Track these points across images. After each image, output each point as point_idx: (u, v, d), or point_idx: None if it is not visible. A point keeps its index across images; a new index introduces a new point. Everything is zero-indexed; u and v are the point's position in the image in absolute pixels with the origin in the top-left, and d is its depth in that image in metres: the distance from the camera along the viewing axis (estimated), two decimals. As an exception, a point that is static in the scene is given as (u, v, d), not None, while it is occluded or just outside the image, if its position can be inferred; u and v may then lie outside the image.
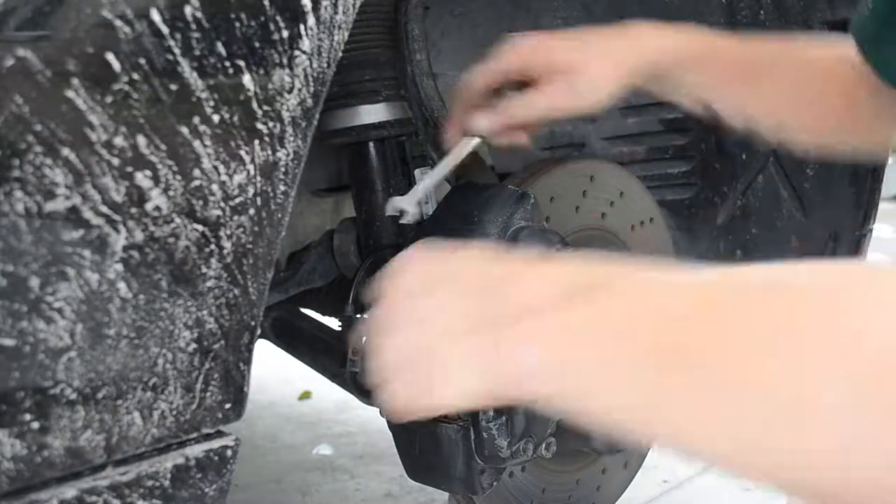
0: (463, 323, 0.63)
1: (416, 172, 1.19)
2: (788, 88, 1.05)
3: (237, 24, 0.67)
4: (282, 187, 0.73)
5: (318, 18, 0.72)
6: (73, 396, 0.64)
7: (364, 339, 0.74)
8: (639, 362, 0.49)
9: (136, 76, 0.63)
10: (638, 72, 0.99)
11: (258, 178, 0.71)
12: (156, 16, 0.63)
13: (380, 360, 0.69)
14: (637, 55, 0.99)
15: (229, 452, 0.75)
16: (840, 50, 1.03)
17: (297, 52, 0.71)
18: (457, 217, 1.04)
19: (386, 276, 0.72)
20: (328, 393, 2.33)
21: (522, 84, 1.01)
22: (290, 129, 0.72)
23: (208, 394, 0.72)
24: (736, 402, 0.45)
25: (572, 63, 0.97)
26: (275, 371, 2.38)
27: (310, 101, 0.73)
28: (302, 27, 0.71)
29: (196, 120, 0.66)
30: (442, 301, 0.66)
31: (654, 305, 0.50)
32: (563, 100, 0.98)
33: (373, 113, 1.14)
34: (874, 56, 0.97)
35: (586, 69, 0.97)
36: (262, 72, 0.69)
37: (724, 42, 1.04)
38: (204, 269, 0.70)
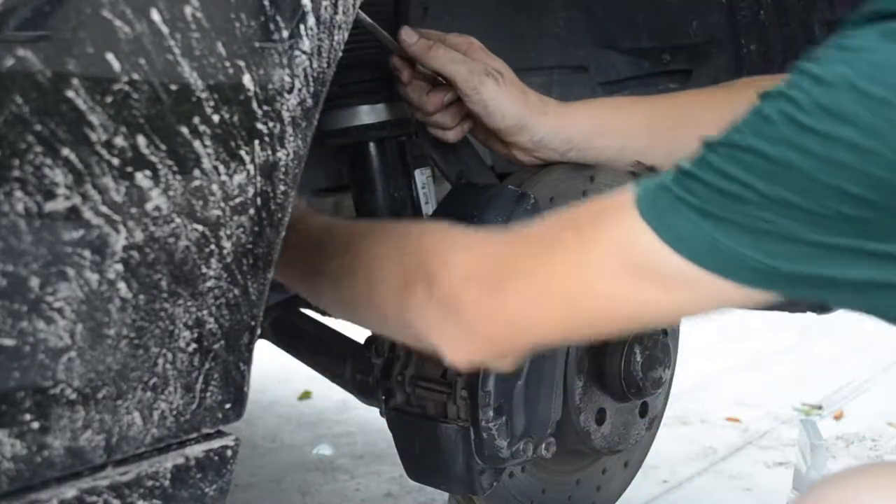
0: None
1: (416, 173, 1.19)
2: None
3: (237, 24, 0.67)
4: (282, 187, 0.73)
5: (318, 18, 0.72)
6: (73, 396, 0.64)
7: None
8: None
9: (136, 76, 0.63)
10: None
11: (258, 178, 0.71)
12: (155, 16, 0.63)
13: None
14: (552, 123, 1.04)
15: (229, 452, 0.75)
16: None
17: (297, 52, 0.71)
18: (457, 217, 1.04)
19: None
20: (328, 393, 2.33)
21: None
22: (290, 129, 0.72)
23: (208, 394, 0.72)
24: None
25: (500, 74, 1.02)
26: (275, 371, 2.38)
27: (310, 101, 0.73)
28: (302, 27, 0.71)
29: (196, 120, 0.66)
30: None
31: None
32: (472, 84, 1.00)
33: (373, 113, 1.14)
34: None
35: (502, 88, 1.02)
36: (262, 72, 0.69)
37: (633, 105, 1.08)
38: (204, 269, 0.70)
